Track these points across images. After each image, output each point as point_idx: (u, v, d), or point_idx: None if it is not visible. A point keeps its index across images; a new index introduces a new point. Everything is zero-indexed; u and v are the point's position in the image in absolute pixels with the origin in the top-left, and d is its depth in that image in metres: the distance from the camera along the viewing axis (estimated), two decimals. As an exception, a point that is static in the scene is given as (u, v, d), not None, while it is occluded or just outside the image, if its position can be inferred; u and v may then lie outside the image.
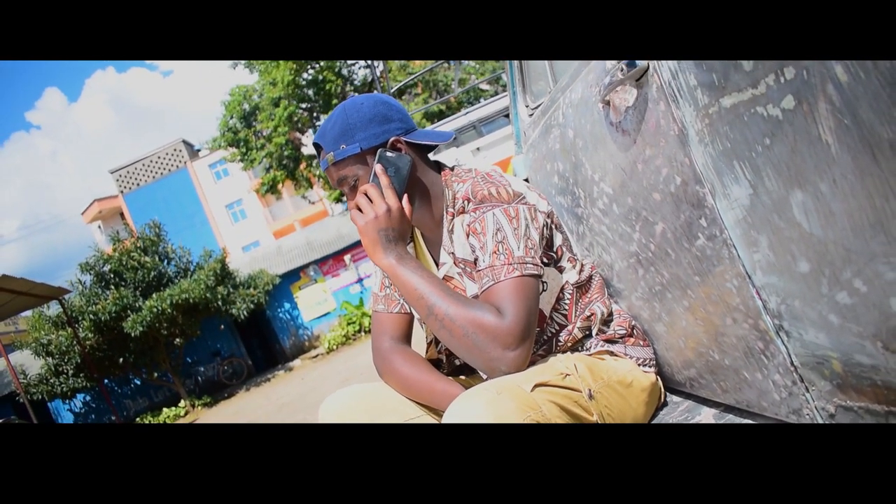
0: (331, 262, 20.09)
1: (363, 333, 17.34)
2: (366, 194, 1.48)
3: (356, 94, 20.87)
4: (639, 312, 1.60)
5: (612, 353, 1.56)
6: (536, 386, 1.30)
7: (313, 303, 20.14)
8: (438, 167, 1.62)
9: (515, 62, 2.24)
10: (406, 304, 1.69)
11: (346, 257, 19.90)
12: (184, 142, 38.22)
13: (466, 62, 20.10)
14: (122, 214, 37.53)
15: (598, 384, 1.44)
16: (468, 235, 1.46)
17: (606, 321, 1.60)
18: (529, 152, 2.18)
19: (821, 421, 1.09)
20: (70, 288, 14.88)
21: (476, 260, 1.44)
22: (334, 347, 17.13)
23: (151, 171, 38.01)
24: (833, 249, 0.87)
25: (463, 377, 1.74)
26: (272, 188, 22.67)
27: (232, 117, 21.79)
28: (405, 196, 1.50)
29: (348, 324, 17.77)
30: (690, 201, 1.14)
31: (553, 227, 1.55)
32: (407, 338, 1.72)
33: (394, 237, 1.46)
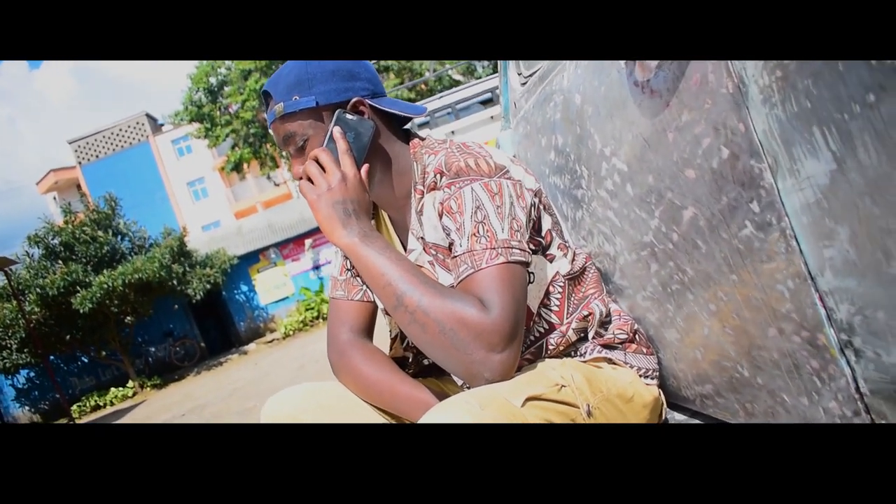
0: (292, 245, 19.72)
1: (321, 320, 17.05)
2: (317, 161, 1.23)
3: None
4: (643, 315, 1.37)
5: (610, 361, 1.33)
6: (528, 400, 1.06)
7: (271, 286, 19.76)
8: (407, 137, 1.37)
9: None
10: (370, 292, 1.44)
11: (307, 241, 19.53)
12: (147, 115, 37.33)
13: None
14: (79, 186, 36.50)
15: (597, 398, 1.20)
16: (441, 215, 1.21)
17: (604, 323, 1.37)
18: (520, 126, 1.92)
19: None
20: (17, 259, 14.28)
21: (451, 245, 1.19)
22: (291, 333, 16.84)
23: (112, 144, 37.06)
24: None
25: (433, 378, 1.50)
26: (237, 167, 22.13)
27: (198, 90, 21.15)
28: (364, 167, 1.25)
29: (306, 309, 17.49)
30: (740, 180, 0.90)
31: (542, 207, 1.31)
32: (368, 330, 1.47)
33: (353, 210, 1.20)
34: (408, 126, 1.43)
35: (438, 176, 1.23)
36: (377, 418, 1.37)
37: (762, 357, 1.01)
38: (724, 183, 0.94)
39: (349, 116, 1.24)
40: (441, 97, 6.40)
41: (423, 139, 1.36)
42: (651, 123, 1.07)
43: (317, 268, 19.63)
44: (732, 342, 1.07)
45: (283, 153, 19.36)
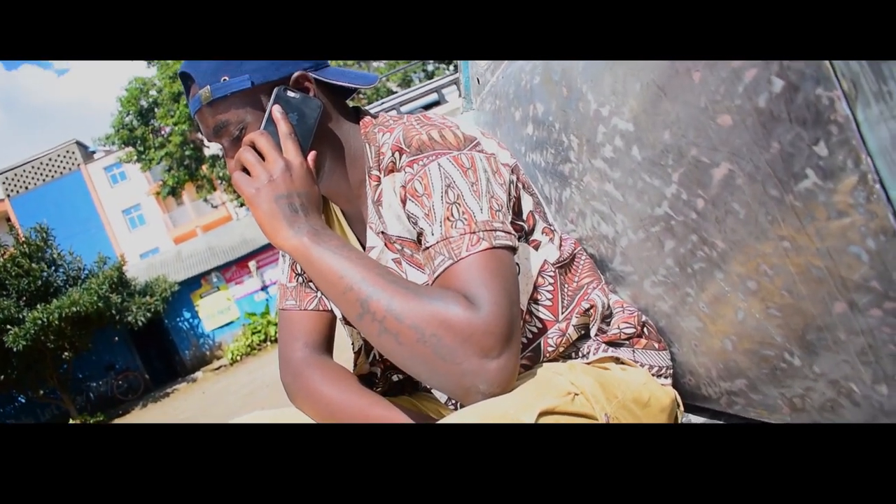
0: (234, 268, 19.26)
1: (269, 343, 16.71)
2: (254, 146, 1.00)
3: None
4: (653, 303, 1.18)
5: (618, 361, 1.13)
6: (542, 415, 0.86)
7: (215, 311, 19.25)
8: (357, 116, 1.16)
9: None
10: (326, 300, 1.22)
11: (251, 263, 19.10)
12: (77, 143, 36.27)
13: (376, 64, 19.73)
14: (8, 220, 35.24)
15: (613, 406, 1.00)
16: (405, 201, 1.00)
17: (606, 317, 1.17)
18: (486, 102, 1.71)
19: None
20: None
21: (420, 235, 0.98)
22: (238, 358, 16.46)
23: (42, 174, 35.91)
24: None
25: (405, 397, 1.29)
26: (173, 191, 21.58)
27: (129, 113, 20.52)
28: (311, 154, 1.04)
29: (253, 333, 17.12)
30: (799, 116, 0.71)
31: (521, 186, 1.12)
32: (327, 345, 1.25)
33: (300, 205, 0.98)
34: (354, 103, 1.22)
35: (397, 154, 1.02)
36: (346, 447, 1.15)
37: (823, 340, 0.82)
38: (775, 125, 0.74)
39: (291, 94, 1.03)
40: (383, 103, 6.20)
41: (374, 116, 1.15)
42: (668, 64, 0.88)
43: (264, 288, 19.19)
44: (780, 325, 0.88)
45: (222, 174, 18.78)
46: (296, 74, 1.05)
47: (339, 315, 1.20)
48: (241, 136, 1.05)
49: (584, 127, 1.16)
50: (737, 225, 0.87)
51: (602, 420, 0.95)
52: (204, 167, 21.11)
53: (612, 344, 1.15)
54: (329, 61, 1.14)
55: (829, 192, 0.72)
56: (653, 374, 1.14)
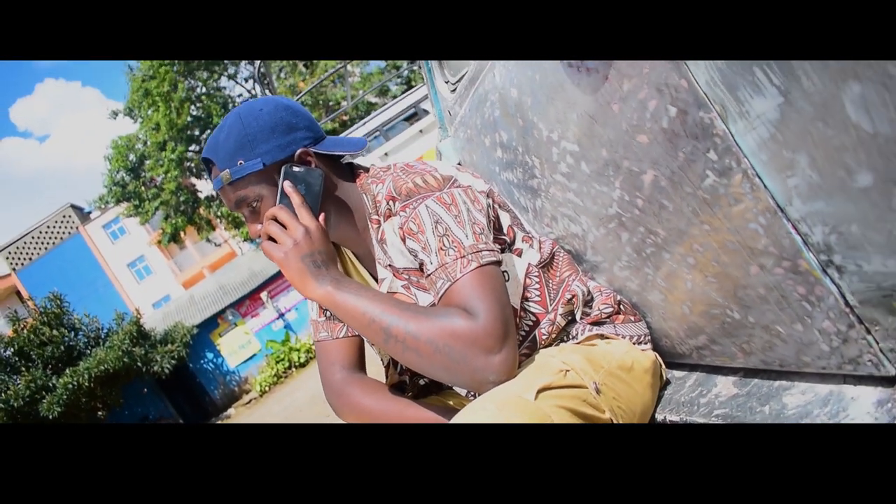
0: (247, 302, 19.47)
1: (293, 369, 16.89)
2: (275, 219, 1.23)
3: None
4: (623, 284, 1.40)
5: (602, 336, 1.35)
6: (540, 392, 1.08)
7: (237, 347, 19.46)
8: (352, 171, 1.39)
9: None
10: None
11: (263, 295, 19.31)
12: (72, 206, 36.61)
13: (352, 79, 19.89)
14: (18, 293, 35.54)
15: (601, 374, 1.22)
16: (404, 239, 1.23)
17: (588, 301, 1.39)
18: (459, 131, 1.94)
19: (888, 366, 0.90)
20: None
21: (422, 265, 1.20)
22: (266, 389, 16.65)
23: (43, 243, 36.23)
24: (910, 147, 0.68)
25: (433, 396, 1.51)
26: (174, 237, 21.80)
27: (119, 171, 20.76)
28: (321, 215, 1.27)
29: (277, 362, 17.30)
30: (692, 133, 0.93)
31: (497, 206, 1.34)
32: (360, 364, 1.47)
33: (322, 261, 1.21)
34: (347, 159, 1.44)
35: (391, 202, 1.24)
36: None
37: (749, 296, 1.04)
38: (677, 140, 0.97)
39: (296, 169, 1.24)
40: (365, 123, 6.42)
41: (367, 170, 1.37)
42: (594, 99, 1.10)
43: (280, 317, 19.42)
44: (717, 289, 1.11)
45: (219, 213, 18.96)
46: (298, 152, 1.26)
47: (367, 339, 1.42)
48: (257, 207, 1.28)
49: (541, 150, 1.39)
50: (669, 216, 1.09)
51: (591, 387, 1.17)
52: (201, 209, 21.34)
53: (595, 323, 1.37)
54: (325, 133, 1.37)
55: (726, 186, 0.94)
56: (634, 343, 1.36)
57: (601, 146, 1.16)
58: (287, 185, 1.23)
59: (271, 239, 1.23)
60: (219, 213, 21.06)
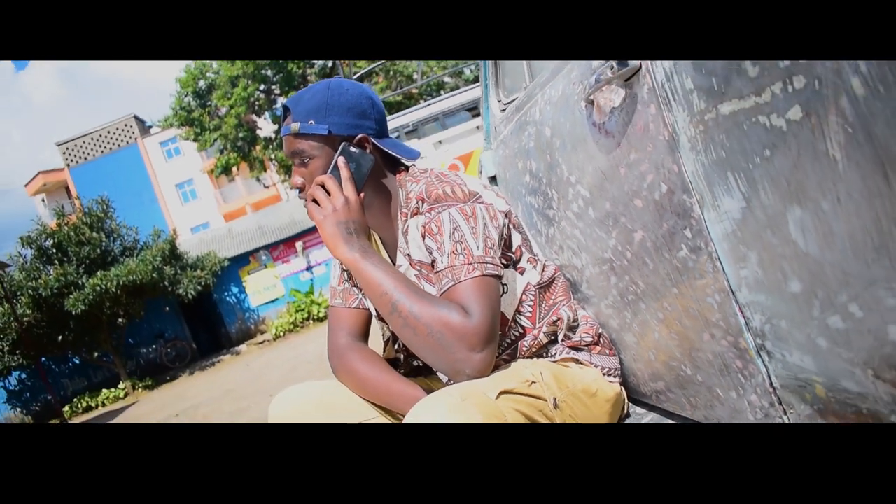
0: (282, 247, 19.82)
1: (311, 321, 17.18)
2: (323, 186, 1.41)
3: (317, 78, 20.56)
4: (607, 320, 1.56)
5: (577, 361, 1.51)
6: (502, 393, 1.24)
7: (262, 288, 19.85)
8: (395, 165, 1.56)
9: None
10: (364, 301, 1.62)
11: (298, 244, 19.64)
12: (135, 117, 37.37)
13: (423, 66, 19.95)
14: (67, 189, 36.53)
15: (563, 393, 1.38)
16: (424, 237, 1.40)
17: (572, 327, 1.55)
18: (499, 148, 2.11)
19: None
20: (9, 262, 14.35)
21: (434, 262, 1.37)
22: (281, 334, 16.97)
23: (100, 146, 37.10)
24: (830, 271, 0.82)
25: (422, 377, 1.68)
26: (226, 169, 22.20)
27: (186, 94, 21.19)
28: (361, 194, 1.44)
29: (296, 311, 17.59)
30: (675, 210, 1.09)
31: (511, 226, 1.50)
32: (364, 335, 1.65)
33: (355, 230, 1.39)
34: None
35: (420, 202, 1.41)
36: (372, 412, 1.54)
37: (700, 358, 1.20)
38: (664, 212, 1.12)
39: (353, 149, 1.41)
40: (429, 105, 6.56)
41: (408, 168, 1.54)
42: (607, 159, 1.25)
43: (309, 269, 19.73)
44: (677, 345, 1.26)
45: (273, 157, 19.20)
46: (360, 136, 1.44)
47: (374, 313, 1.59)
48: (307, 163, 1.45)
49: (560, 186, 1.55)
50: (649, 273, 1.25)
51: (550, 401, 1.33)
52: (257, 148, 21.67)
53: (574, 348, 1.53)
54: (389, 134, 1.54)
55: (694, 261, 1.09)
56: (604, 374, 1.52)
57: (606, 199, 1.31)
58: (341, 160, 1.40)
59: (315, 202, 1.41)
60: (273, 157, 21.39)
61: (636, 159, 1.15)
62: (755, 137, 0.85)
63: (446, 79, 20.59)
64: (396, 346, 1.63)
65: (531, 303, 1.51)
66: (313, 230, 19.47)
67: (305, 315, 17.40)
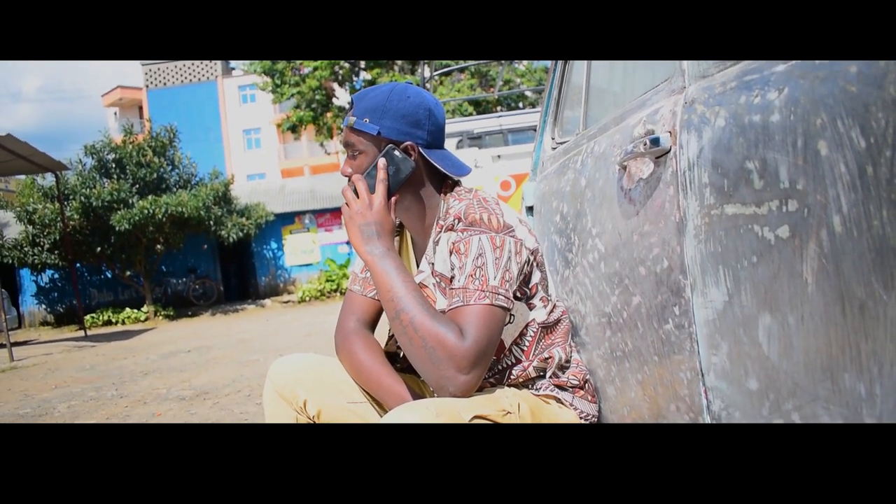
0: (328, 216, 20.01)
1: (339, 294, 17.35)
2: (355, 188, 1.51)
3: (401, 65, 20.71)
4: (595, 369, 1.64)
5: (558, 400, 1.59)
6: (475, 417, 1.33)
7: (299, 250, 20.06)
8: (443, 180, 1.64)
9: (555, 94, 2.27)
10: None
11: (345, 216, 19.75)
12: (222, 56, 38.00)
13: (516, 64, 19.98)
14: (140, 108, 37.40)
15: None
16: (451, 253, 1.49)
17: (563, 367, 1.63)
18: (542, 182, 2.21)
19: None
20: (69, 166, 14.79)
21: (452, 278, 1.46)
22: (307, 299, 17.16)
23: (181, 75, 37.83)
24: (783, 378, 0.90)
25: (413, 376, 1.77)
26: (294, 128, 22.47)
27: (276, 46, 21.45)
28: (394, 197, 1.53)
29: (327, 280, 17.76)
30: (671, 287, 1.17)
31: (535, 264, 1.57)
32: (373, 323, 1.75)
33: (376, 232, 1.48)
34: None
35: (456, 220, 1.50)
36: (360, 397, 1.64)
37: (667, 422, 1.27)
38: (661, 285, 1.20)
39: (397, 154, 1.50)
40: (499, 116, 6.65)
41: (456, 184, 1.63)
42: (625, 223, 1.34)
43: (349, 243, 19.82)
44: (647, 408, 1.34)
45: (341, 126, 19.34)
46: (407, 143, 1.54)
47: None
48: (356, 156, 1.56)
49: (582, 235, 1.63)
50: (638, 337, 1.33)
51: (519, 433, 1.42)
52: (329, 114, 21.91)
53: (559, 387, 1.61)
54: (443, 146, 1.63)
55: (676, 337, 1.17)
56: (581, 418, 1.60)
57: (617, 258, 1.40)
58: (381, 162, 1.50)
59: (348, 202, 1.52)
60: (341, 127, 21.55)
61: (648, 231, 1.23)
62: (748, 242, 0.93)
63: (528, 93, 20.61)
64: (398, 343, 1.73)
65: (531, 337, 1.59)
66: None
67: (335, 286, 17.57)
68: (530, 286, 1.57)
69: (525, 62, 20.21)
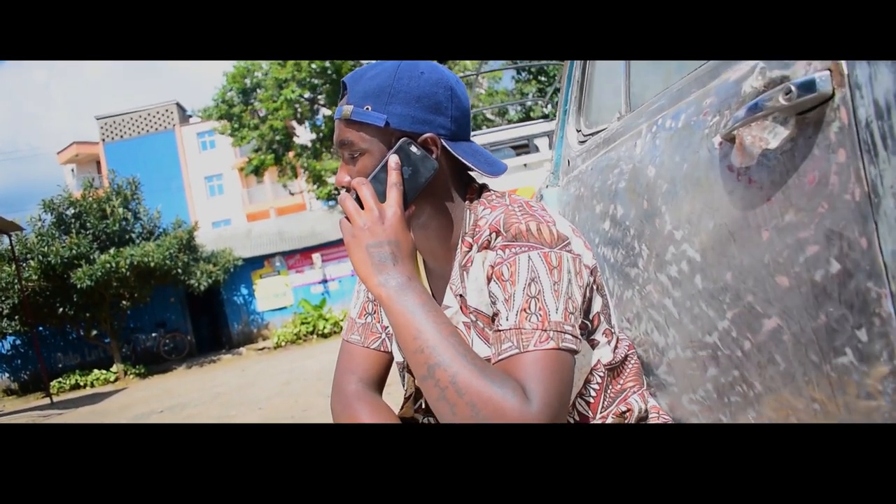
0: (298, 256, 19.66)
1: (315, 336, 16.90)
2: (356, 196, 1.08)
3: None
4: (687, 417, 1.24)
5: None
6: None
7: (271, 294, 19.65)
8: (467, 184, 1.22)
9: (576, 76, 1.86)
10: (388, 342, 1.30)
11: (316, 255, 19.45)
12: (177, 104, 37.62)
13: (479, 89, 19.85)
14: (98, 163, 36.74)
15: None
16: (490, 279, 1.07)
17: (641, 419, 1.23)
18: (571, 186, 1.80)
19: None
20: (25, 225, 14.22)
21: (495, 315, 1.05)
22: (283, 344, 16.73)
23: (138, 126, 37.30)
24: None
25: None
26: (256, 170, 22.07)
27: (231, 89, 21.12)
28: (411, 207, 1.11)
29: (302, 323, 17.33)
30: (848, 301, 0.78)
31: (595, 287, 1.16)
32: (379, 383, 1.33)
33: (391, 255, 1.04)
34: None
35: (493, 234, 1.09)
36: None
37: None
38: (826, 300, 0.81)
39: (413, 149, 1.08)
40: (474, 136, 6.35)
41: (482, 188, 1.22)
42: (742, 215, 0.95)
43: (323, 282, 19.53)
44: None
45: (305, 165, 19.07)
46: (427, 135, 1.11)
47: (398, 359, 1.28)
48: (356, 157, 1.13)
49: (656, 242, 1.24)
50: (776, 374, 0.94)
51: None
52: (291, 154, 21.57)
53: (641, 447, 1.21)
54: (472, 138, 1.21)
55: (863, 374, 0.78)
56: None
57: (728, 268, 1.00)
58: (393, 160, 1.07)
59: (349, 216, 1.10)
60: (305, 165, 21.20)
61: (794, 222, 0.84)
62: None
63: (490, 116, 20.43)
64: (418, 406, 1.31)
65: (597, 385, 1.19)
66: (335, 244, 19.27)
67: (310, 329, 17.12)
68: (591, 317, 1.16)
69: (486, 83, 20.13)
